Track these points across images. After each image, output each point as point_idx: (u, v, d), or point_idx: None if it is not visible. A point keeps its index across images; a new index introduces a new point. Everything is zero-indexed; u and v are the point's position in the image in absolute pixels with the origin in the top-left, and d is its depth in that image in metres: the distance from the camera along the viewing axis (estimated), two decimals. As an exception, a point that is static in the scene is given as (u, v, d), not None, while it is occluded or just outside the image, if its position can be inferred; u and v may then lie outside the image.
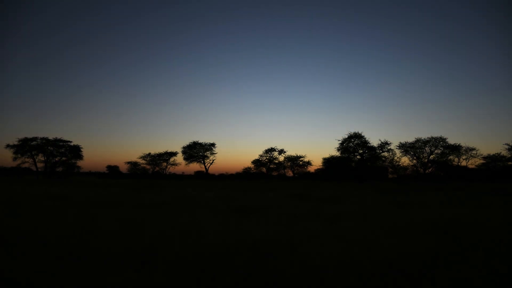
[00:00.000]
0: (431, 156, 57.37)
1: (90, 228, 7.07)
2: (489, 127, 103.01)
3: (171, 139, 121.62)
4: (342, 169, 67.61)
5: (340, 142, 61.06)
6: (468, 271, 4.53)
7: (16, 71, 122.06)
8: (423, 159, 57.70)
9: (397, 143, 70.04)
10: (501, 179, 57.77)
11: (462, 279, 4.25)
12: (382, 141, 59.84)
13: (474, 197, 17.10)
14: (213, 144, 73.65)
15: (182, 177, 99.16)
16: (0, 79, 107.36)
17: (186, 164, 73.85)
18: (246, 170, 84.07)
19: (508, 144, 55.03)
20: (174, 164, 76.94)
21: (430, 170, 59.30)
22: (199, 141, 73.60)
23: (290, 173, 79.17)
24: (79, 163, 74.57)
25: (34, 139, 65.75)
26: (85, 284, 4.00)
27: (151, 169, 78.03)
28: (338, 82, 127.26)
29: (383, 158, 60.76)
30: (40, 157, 67.10)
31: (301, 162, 77.14)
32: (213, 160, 73.60)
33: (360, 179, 57.86)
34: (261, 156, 77.42)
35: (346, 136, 60.58)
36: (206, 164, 73.38)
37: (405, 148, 57.86)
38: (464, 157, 59.13)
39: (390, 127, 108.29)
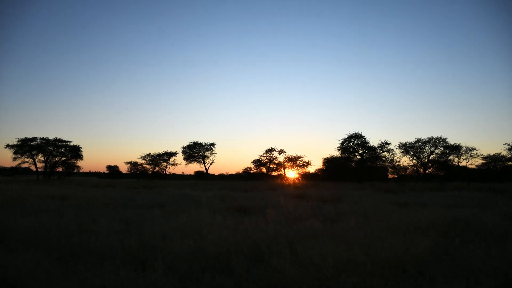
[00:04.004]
0: (431, 156, 57.24)
1: (90, 228, 7.07)
2: (489, 127, 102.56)
3: (171, 139, 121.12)
4: (342, 169, 67.46)
5: (340, 142, 61.10)
6: (467, 270, 4.53)
7: (16, 71, 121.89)
8: (423, 159, 57.54)
9: (397, 143, 69.85)
10: (501, 179, 57.64)
11: (462, 278, 4.25)
12: (382, 141, 59.83)
13: (474, 197, 17.10)
14: (213, 144, 73.52)
15: (182, 177, 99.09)
16: (0, 79, 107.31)
17: (186, 164, 73.63)
18: (246, 170, 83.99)
19: (508, 144, 54.79)
20: (174, 164, 76.68)
21: (430, 170, 59.14)
22: (199, 141, 73.56)
23: (290, 173, 79.12)
24: (79, 163, 74.55)
25: (34, 139, 65.51)
26: (85, 283, 3.99)
27: (151, 169, 77.81)
28: (338, 82, 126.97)
29: (383, 158, 60.70)
30: (40, 157, 66.98)
31: (301, 162, 77.03)
32: (213, 160, 73.43)
33: (360, 179, 57.76)
34: (261, 156, 77.36)
35: (346, 136, 60.53)
36: (206, 164, 73.25)
37: (405, 148, 57.70)
38: (464, 157, 58.84)
39: (390, 127, 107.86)
